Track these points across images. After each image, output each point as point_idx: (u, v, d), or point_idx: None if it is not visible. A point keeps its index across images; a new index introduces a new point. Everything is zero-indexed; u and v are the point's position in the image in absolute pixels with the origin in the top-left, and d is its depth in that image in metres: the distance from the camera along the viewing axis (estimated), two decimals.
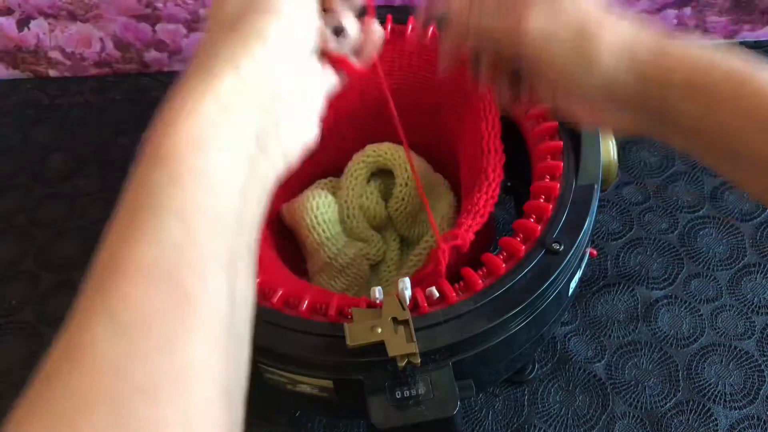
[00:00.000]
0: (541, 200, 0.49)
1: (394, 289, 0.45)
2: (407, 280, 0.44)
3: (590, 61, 0.37)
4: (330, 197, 0.62)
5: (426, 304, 0.45)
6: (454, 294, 0.46)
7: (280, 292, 0.47)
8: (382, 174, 0.66)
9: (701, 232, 0.69)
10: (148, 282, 0.25)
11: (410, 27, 0.61)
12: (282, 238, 0.63)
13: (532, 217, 0.49)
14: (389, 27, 0.61)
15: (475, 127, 0.57)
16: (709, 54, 0.36)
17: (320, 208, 0.61)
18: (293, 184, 0.63)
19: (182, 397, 0.24)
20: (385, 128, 0.64)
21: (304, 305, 0.46)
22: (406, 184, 0.62)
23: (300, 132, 0.35)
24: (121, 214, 0.28)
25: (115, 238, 0.27)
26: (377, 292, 0.44)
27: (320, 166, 0.67)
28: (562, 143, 0.51)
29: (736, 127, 0.35)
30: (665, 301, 0.65)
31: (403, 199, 0.63)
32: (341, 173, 0.65)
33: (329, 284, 0.61)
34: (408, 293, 0.44)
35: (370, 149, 0.64)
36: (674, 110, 0.36)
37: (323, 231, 0.60)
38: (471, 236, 0.48)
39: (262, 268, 0.51)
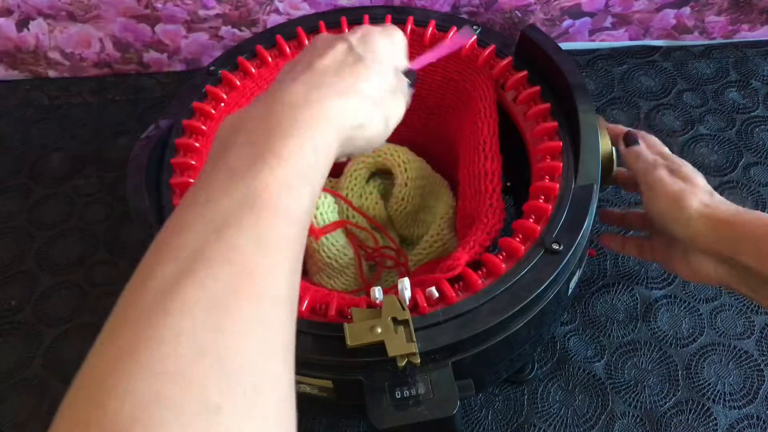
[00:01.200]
0: (541, 200, 0.49)
1: (394, 289, 0.45)
2: (406, 281, 0.44)
3: (680, 208, 0.51)
4: (330, 197, 0.62)
5: (426, 304, 0.45)
6: (454, 294, 0.46)
7: None
8: (382, 174, 0.66)
9: None
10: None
11: (409, 28, 0.61)
12: None
13: (532, 217, 0.49)
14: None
15: (474, 128, 0.57)
16: None
17: (320, 208, 0.61)
18: None
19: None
20: None
21: (304, 305, 0.46)
22: (406, 185, 0.62)
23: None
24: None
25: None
26: (377, 292, 0.44)
27: None
28: (561, 143, 0.52)
29: None
30: (665, 300, 0.65)
31: (402, 199, 0.63)
32: (341, 173, 0.66)
33: (329, 284, 0.61)
34: (408, 293, 0.44)
35: None
36: (744, 262, 0.48)
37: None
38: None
39: None
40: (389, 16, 0.61)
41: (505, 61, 0.57)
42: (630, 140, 0.57)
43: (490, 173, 0.54)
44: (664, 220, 0.52)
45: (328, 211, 0.61)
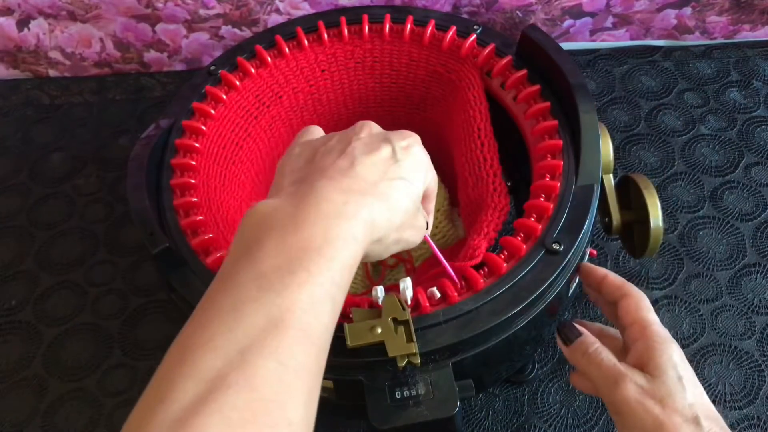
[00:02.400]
0: (542, 199, 0.49)
1: (397, 288, 0.45)
2: (408, 280, 0.44)
3: None
4: None
5: (427, 304, 0.45)
6: (455, 294, 0.46)
7: None
8: None
9: (701, 232, 0.69)
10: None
11: (408, 27, 0.61)
12: None
13: (533, 216, 0.49)
14: (357, 27, 0.62)
15: (465, 116, 0.58)
16: None
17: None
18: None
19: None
20: None
21: None
22: None
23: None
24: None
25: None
26: (379, 291, 0.44)
27: None
28: (561, 142, 0.51)
29: None
30: (665, 301, 0.65)
31: None
32: None
33: None
34: (409, 292, 0.44)
35: None
36: None
37: None
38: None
39: None
40: (388, 16, 0.61)
41: (487, 49, 0.58)
42: (566, 335, 0.47)
43: (489, 159, 0.55)
44: None
45: None
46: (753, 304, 0.64)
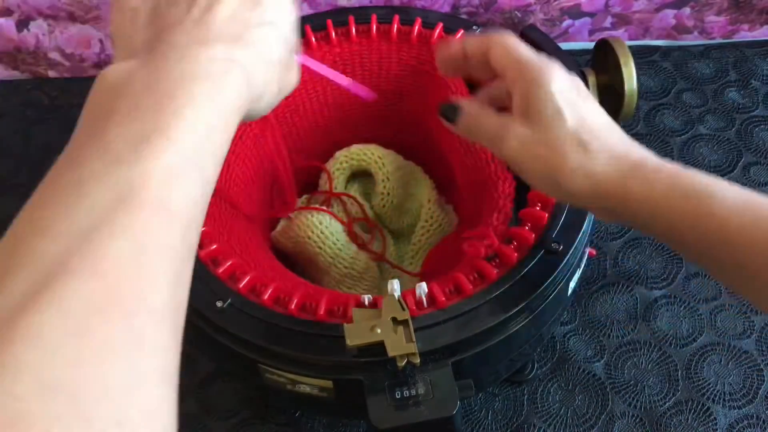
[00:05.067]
0: (538, 208, 0.50)
1: (404, 285, 0.46)
2: (396, 282, 0.44)
3: (557, 185, 0.40)
4: (333, 221, 0.62)
5: (444, 298, 0.45)
6: (471, 286, 0.46)
7: (295, 300, 0.47)
8: (359, 176, 0.67)
9: None
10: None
11: (372, 26, 0.62)
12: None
13: (528, 225, 0.49)
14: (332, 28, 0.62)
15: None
16: (673, 176, 0.39)
17: (323, 222, 0.61)
18: (265, 208, 0.64)
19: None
20: (350, 132, 0.66)
21: (293, 304, 0.46)
22: (387, 179, 0.64)
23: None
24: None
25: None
26: (395, 284, 0.44)
27: (298, 183, 0.68)
28: None
29: (698, 248, 0.38)
30: (664, 300, 0.65)
31: (387, 194, 0.64)
32: (315, 187, 0.67)
33: (352, 293, 0.61)
34: (397, 294, 0.44)
35: (341, 155, 0.65)
36: (643, 227, 0.40)
37: (334, 243, 0.60)
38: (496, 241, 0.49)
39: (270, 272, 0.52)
40: (374, 16, 0.61)
41: (457, 36, 0.59)
42: (447, 115, 0.44)
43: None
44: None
45: (332, 223, 0.61)
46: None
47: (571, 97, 0.40)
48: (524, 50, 0.41)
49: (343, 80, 0.46)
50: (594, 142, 0.39)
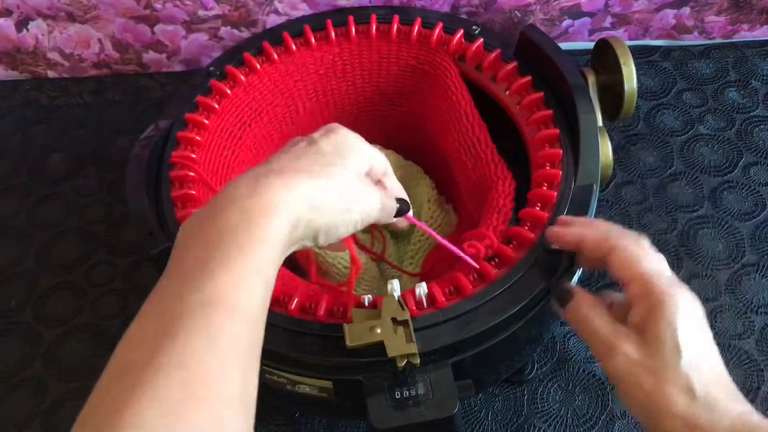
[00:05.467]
0: (537, 208, 0.50)
1: (404, 285, 0.46)
2: (396, 282, 0.44)
3: (652, 420, 0.38)
4: None
5: (444, 298, 0.45)
6: (471, 285, 0.46)
7: (296, 300, 0.47)
8: None
9: (700, 232, 0.69)
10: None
11: (395, 27, 0.61)
12: None
13: (527, 225, 0.49)
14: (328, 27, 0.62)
15: (449, 103, 0.59)
16: None
17: (328, 248, 0.61)
18: None
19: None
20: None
21: (294, 304, 0.46)
22: None
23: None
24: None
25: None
26: (394, 284, 0.44)
27: None
28: (561, 151, 0.52)
29: None
30: None
31: None
32: None
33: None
34: (397, 294, 0.44)
35: None
36: None
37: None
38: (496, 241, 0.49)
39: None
40: (374, 16, 0.61)
41: (456, 36, 0.60)
42: (560, 295, 0.44)
43: (482, 139, 0.57)
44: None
45: None
46: (752, 303, 0.64)
47: (693, 335, 0.38)
48: (650, 263, 0.40)
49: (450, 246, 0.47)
50: (702, 391, 0.37)
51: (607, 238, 0.41)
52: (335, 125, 0.43)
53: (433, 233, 0.48)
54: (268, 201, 0.35)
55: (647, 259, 0.40)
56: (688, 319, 0.38)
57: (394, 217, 0.45)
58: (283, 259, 0.36)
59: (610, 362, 0.39)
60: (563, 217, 0.46)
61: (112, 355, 0.31)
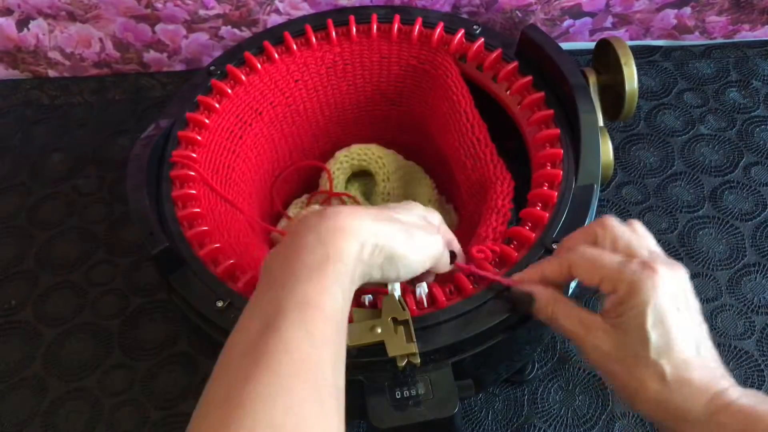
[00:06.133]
0: (538, 208, 0.49)
1: (403, 286, 0.46)
2: (397, 283, 0.44)
3: (631, 405, 0.39)
4: None
5: (444, 299, 0.45)
6: (470, 287, 0.46)
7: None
8: (359, 176, 0.67)
9: (701, 232, 0.69)
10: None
11: (396, 27, 0.61)
12: None
13: (528, 225, 0.49)
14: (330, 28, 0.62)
15: (449, 103, 0.59)
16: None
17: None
18: (265, 208, 0.64)
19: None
20: (350, 132, 0.66)
21: None
22: (387, 179, 0.64)
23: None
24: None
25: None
26: (395, 285, 0.44)
27: (298, 183, 0.68)
28: (562, 152, 0.52)
29: None
30: None
31: (387, 193, 0.65)
32: (315, 187, 0.67)
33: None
34: (398, 294, 0.44)
35: (342, 155, 0.65)
36: None
37: None
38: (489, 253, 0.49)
39: None
40: (375, 16, 0.61)
41: (458, 35, 0.60)
42: (519, 305, 0.44)
43: (482, 139, 0.57)
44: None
45: None
46: (753, 303, 0.64)
47: (664, 318, 0.38)
48: (610, 259, 0.40)
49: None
50: (674, 375, 0.37)
51: (562, 260, 0.42)
52: (411, 203, 0.48)
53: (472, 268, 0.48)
54: (337, 223, 0.39)
55: (604, 257, 0.40)
56: (661, 300, 0.38)
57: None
58: (357, 278, 0.40)
59: (583, 356, 0.41)
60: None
61: (225, 345, 0.36)
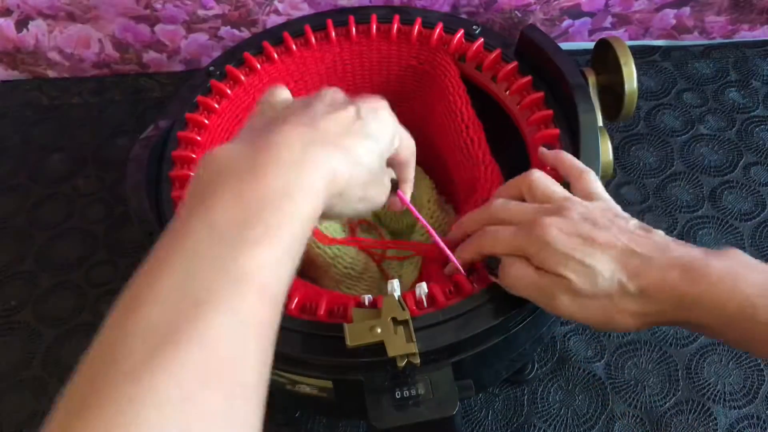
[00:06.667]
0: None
1: (404, 286, 0.46)
2: (396, 282, 0.44)
3: (613, 330, 0.42)
4: None
5: (444, 298, 0.45)
6: (470, 287, 0.46)
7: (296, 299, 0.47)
8: None
9: (700, 232, 0.69)
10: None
11: (372, 26, 0.61)
12: None
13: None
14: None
15: (446, 103, 0.59)
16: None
17: (323, 222, 0.60)
18: None
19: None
20: None
21: (293, 304, 0.46)
22: None
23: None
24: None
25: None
26: (394, 284, 0.44)
27: None
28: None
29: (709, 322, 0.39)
30: None
31: None
32: None
33: (351, 293, 0.61)
34: (397, 294, 0.44)
35: None
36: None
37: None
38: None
39: None
40: (374, 16, 0.61)
41: (458, 36, 0.60)
42: (491, 267, 0.45)
43: (476, 140, 0.56)
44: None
45: (336, 232, 0.61)
46: None
47: (570, 257, 0.40)
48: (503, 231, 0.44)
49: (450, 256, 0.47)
50: (633, 281, 0.39)
51: (482, 211, 0.47)
52: (380, 102, 0.42)
53: (430, 229, 0.48)
54: (316, 181, 0.34)
55: (498, 234, 0.44)
56: (558, 245, 0.41)
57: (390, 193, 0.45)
58: (306, 242, 0.34)
59: (554, 306, 0.41)
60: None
61: (120, 299, 0.29)
